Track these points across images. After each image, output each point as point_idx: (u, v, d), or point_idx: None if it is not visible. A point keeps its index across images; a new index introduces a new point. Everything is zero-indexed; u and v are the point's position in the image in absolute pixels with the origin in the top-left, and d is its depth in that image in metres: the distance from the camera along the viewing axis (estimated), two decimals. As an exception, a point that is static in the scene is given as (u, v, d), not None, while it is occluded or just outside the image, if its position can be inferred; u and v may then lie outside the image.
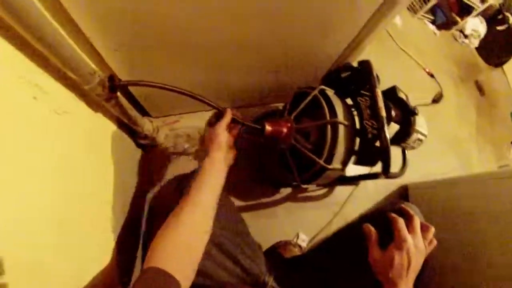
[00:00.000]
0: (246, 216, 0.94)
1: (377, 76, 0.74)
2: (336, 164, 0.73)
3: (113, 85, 0.56)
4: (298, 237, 1.01)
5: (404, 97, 0.83)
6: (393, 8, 0.70)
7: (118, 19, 0.58)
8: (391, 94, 0.83)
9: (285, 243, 0.99)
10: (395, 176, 0.86)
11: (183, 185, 0.68)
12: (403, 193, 1.32)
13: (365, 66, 0.73)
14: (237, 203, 0.99)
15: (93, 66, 0.57)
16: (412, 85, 1.78)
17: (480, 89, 2.58)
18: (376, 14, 0.73)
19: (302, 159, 0.75)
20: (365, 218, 0.67)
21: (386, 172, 0.69)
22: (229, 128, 0.67)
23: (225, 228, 0.68)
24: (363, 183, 1.13)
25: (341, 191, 1.09)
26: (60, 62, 0.49)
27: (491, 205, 0.94)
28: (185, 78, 0.80)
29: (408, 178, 1.39)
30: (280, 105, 1.11)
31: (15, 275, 0.37)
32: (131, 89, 0.84)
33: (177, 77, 0.78)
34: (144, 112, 0.96)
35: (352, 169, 0.85)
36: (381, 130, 0.65)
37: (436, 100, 1.83)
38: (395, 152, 0.81)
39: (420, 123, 0.82)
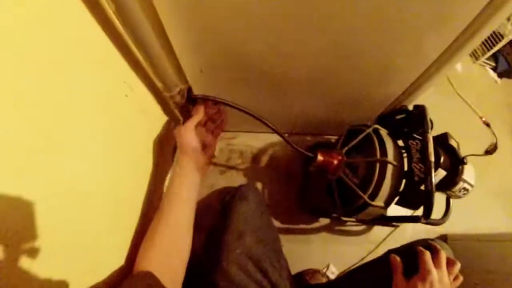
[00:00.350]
0: (280, 237, 0.98)
1: (431, 121, 0.76)
2: (379, 201, 0.74)
3: (190, 96, 0.63)
4: (328, 268, 1.01)
5: (455, 144, 0.83)
6: (455, 56, 0.71)
7: (210, 48, 0.66)
8: (442, 140, 0.83)
9: (314, 271, 0.99)
10: (435, 223, 0.84)
11: (223, 198, 0.74)
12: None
13: (420, 111, 0.75)
14: (274, 222, 1.02)
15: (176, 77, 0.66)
16: (465, 133, 1.69)
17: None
18: (438, 60, 0.75)
19: (347, 192, 0.77)
20: (393, 250, 0.68)
21: (427, 217, 0.69)
22: (206, 126, 0.68)
23: (261, 242, 0.72)
24: (402, 227, 1.11)
25: (379, 231, 1.08)
26: (152, 71, 0.58)
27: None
28: (252, 100, 0.86)
29: (449, 228, 1.33)
30: (331, 138, 1.14)
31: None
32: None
33: (245, 98, 0.85)
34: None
35: (394, 210, 0.85)
36: (427, 174, 0.66)
37: (490, 151, 1.74)
38: (439, 199, 0.81)
39: (468, 173, 0.81)
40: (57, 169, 0.38)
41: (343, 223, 1.05)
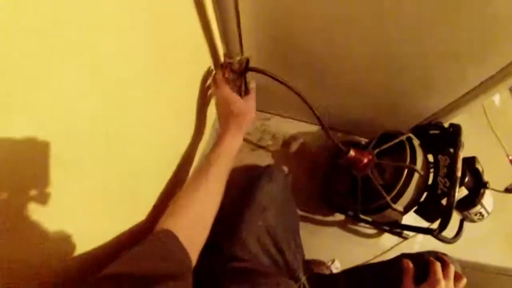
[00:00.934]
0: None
1: (462, 142, 0.79)
2: (399, 206, 0.79)
3: (248, 67, 0.68)
4: (333, 263, 1.05)
5: (480, 169, 0.86)
6: (496, 85, 0.75)
7: (275, 31, 0.72)
8: (470, 162, 0.86)
9: (320, 262, 1.04)
10: (446, 240, 0.88)
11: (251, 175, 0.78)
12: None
13: (456, 129, 0.79)
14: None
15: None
16: (489, 165, 1.70)
17: None
18: (480, 86, 0.78)
19: (370, 191, 0.82)
20: (405, 255, 0.71)
21: (441, 230, 0.73)
22: (229, 81, 0.68)
23: (282, 223, 0.77)
24: (410, 240, 1.14)
25: (389, 239, 1.11)
26: (221, 33, 0.64)
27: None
28: (297, 86, 0.92)
29: (453, 252, 1.35)
30: (362, 140, 1.18)
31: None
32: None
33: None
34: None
35: (409, 219, 0.89)
36: (452, 188, 0.71)
37: (510, 190, 1.73)
38: (454, 219, 0.85)
39: (488, 199, 0.84)
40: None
41: (357, 222, 1.10)
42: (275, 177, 0.80)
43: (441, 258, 0.64)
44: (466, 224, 0.90)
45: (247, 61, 0.70)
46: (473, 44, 0.65)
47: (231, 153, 0.61)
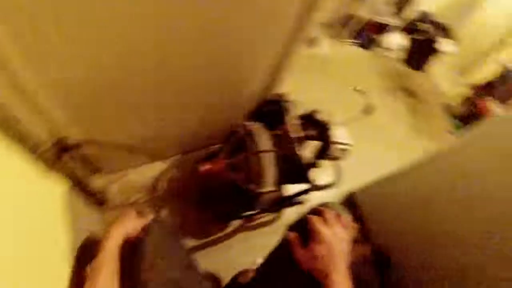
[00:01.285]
0: (203, 253, 0.99)
1: (288, 104, 0.86)
2: (269, 187, 0.81)
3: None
4: (256, 264, 1.05)
5: (320, 117, 0.94)
6: (294, 45, 0.83)
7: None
8: (310, 117, 0.94)
9: (244, 271, 1.02)
10: (325, 186, 0.95)
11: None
12: (352, 200, 1.45)
13: (278, 99, 0.85)
14: (191, 244, 1.02)
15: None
16: (343, 104, 1.97)
17: (410, 93, 2.89)
18: (281, 52, 0.85)
19: (245, 190, 0.82)
20: (289, 227, 0.70)
21: (311, 184, 0.78)
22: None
23: (175, 265, 0.73)
24: (309, 200, 1.21)
25: (290, 211, 1.16)
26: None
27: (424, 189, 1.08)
28: (135, 130, 0.86)
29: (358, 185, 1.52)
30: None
31: None
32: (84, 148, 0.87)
33: (123, 131, 0.84)
34: (96, 170, 1.00)
35: (292, 189, 0.93)
36: (293, 150, 0.76)
37: (368, 111, 2.03)
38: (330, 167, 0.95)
39: (339, 135, 0.92)
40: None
41: (253, 218, 1.11)
42: (150, 230, 0.75)
43: (317, 209, 0.64)
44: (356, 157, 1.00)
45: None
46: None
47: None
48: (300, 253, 0.60)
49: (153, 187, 1.07)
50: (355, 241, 0.62)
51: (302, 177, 0.86)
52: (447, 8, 3.16)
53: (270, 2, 0.68)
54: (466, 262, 0.89)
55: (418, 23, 3.06)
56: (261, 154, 0.78)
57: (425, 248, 1.04)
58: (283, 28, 0.79)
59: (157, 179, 1.08)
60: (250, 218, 1.10)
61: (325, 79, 2.08)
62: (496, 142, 0.91)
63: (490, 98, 2.58)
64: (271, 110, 0.91)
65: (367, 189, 1.43)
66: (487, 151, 0.93)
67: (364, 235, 1.34)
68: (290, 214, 1.16)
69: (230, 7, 0.64)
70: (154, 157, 1.07)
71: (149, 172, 1.08)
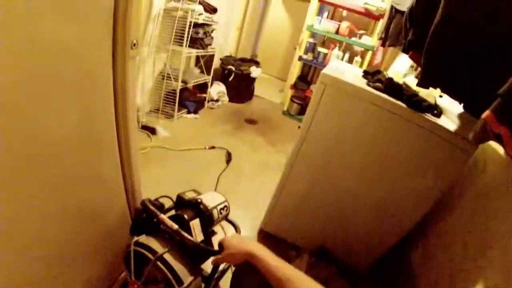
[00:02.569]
0: None
1: (159, 204, 0.96)
2: (188, 279, 0.86)
3: None
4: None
5: (186, 197, 1.03)
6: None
7: None
8: (181, 202, 1.04)
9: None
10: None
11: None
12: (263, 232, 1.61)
13: (142, 206, 0.93)
14: None
15: None
16: (206, 166, 2.23)
17: (250, 121, 3.41)
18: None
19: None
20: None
21: (213, 253, 0.88)
22: None
23: None
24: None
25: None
26: None
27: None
28: None
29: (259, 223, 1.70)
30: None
31: None
32: None
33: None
34: None
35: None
36: (181, 238, 0.85)
37: (229, 159, 2.35)
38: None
39: (211, 202, 1.03)
40: None
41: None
42: None
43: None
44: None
45: None
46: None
47: None
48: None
49: None
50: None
51: (207, 253, 0.93)
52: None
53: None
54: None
55: (228, 68, 3.71)
56: (163, 257, 0.84)
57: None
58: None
59: None
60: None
61: (178, 156, 2.28)
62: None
63: None
64: (143, 218, 0.97)
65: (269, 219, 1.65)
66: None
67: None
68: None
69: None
70: None
71: None
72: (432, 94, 1.43)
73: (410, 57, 1.34)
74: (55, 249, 0.82)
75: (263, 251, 0.76)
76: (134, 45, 0.79)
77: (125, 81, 0.82)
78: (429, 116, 1.22)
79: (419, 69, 1.55)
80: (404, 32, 1.37)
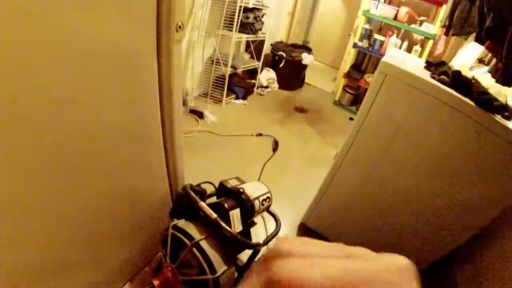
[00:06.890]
0: None
1: (201, 190, 0.96)
2: (221, 268, 0.86)
3: None
4: None
5: (229, 186, 1.03)
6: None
7: None
8: (223, 189, 1.04)
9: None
10: (271, 237, 1.05)
11: None
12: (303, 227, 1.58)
13: (183, 191, 0.94)
14: None
15: None
16: (252, 154, 2.21)
17: (300, 110, 3.31)
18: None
19: (203, 283, 0.85)
20: None
21: (250, 247, 0.86)
22: None
23: None
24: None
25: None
26: None
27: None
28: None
29: (300, 217, 1.65)
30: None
31: None
32: None
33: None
34: None
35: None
36: (218, 227, 0.84)
37: (275, 148, 2.30)
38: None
39: (253, 192, 1.02)
40: None
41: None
42: None
43: None
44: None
45: None
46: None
47: None
48: None
49: None
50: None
51: (244, 245, 0.92)
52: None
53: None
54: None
55: (280, 54, 3.64)
56: (199, 243, 0.84)
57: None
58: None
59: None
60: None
61: (223, 142, 2.29)
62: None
63: None
64: (184, 203, 0.98)
65: (313, 216, 1.59)
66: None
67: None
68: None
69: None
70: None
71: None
72: (503, 93, 1.21)
73: (487, 47, 1.15)
74: (101, 229, 0.87)
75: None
76: (180, 27, 0.77)
77: (170, 66, 0.81)
78: (499, 118, 1.03)
79: (493, 62, 1.33)
80: (478, 19, 1.18)
